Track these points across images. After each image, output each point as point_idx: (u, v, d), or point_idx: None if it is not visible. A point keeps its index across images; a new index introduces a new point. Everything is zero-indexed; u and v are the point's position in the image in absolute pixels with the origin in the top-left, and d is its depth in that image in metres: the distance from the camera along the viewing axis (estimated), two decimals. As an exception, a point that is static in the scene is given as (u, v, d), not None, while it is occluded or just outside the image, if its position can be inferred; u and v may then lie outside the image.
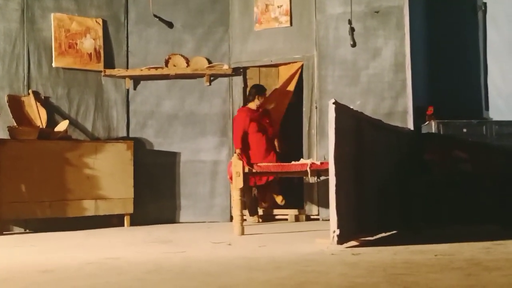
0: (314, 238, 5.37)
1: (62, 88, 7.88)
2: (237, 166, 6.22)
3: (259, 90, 8.02)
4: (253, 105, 8.00)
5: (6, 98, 7.48)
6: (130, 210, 7.74)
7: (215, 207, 8.31)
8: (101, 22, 8.20)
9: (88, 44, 8.01)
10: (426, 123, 7.30)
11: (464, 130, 7.06)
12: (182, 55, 8.44)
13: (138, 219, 7.82)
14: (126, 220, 7.75)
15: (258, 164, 6.47)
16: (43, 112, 7.60)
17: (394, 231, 5.91)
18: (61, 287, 3.40)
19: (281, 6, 8.20)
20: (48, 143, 7.00)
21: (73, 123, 7.83)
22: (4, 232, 7.00)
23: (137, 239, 6.24)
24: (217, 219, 8.23)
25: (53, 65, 7.86)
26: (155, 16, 8.31)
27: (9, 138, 7.15)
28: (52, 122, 7.59)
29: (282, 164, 6.68)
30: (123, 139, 8.08)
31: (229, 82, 8.48)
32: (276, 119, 8.33)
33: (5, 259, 4.87)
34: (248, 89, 8.41)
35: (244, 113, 7.95)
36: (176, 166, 8.37)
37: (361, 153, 5.33)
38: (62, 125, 7.43)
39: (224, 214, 8.24)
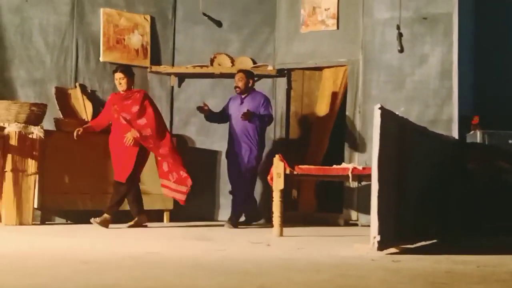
0: (353, 243, 5.33)
1: (108, 83, 7.97)
2: (278, 167, 6.22)
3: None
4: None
5: (53, 90, 7.60)
6: (170, 206, 7.79)
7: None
8: (149, 19, 8.29)
9: (136, 40, 8.10)
10: (471, 132, 7.21)
11: (510, 141, 6.96)
12: (227, 55, 8.47)
13: (177, 215, 7.87)
14: (166, 215, 7.81)
15: (300, 166, 6.45)
16: (88, 105, 7.71)
17: (434, 240, 5.85)
18: (101, 278, 3.44)
19: (328, 9, 8.18)
20: (93, 136, 7.08)
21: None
22: (46, 222, 7.11)
23: (176, 235, 6.29)
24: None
25: (101, 59, 7.96)
26: (204, 14, 8.36)
27: (54, 129, 7.26)
28: (97, 116, 7.67)
29: (323, 167, 6.66)
30: (165, 135, 8.12)
31: (273, 83, 8.48)
32: (328, 124, 8.26)
33: (47, 248, 4.94)
34: (291, 91, 8.42)
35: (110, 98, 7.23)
36: (217, 164, 8.40)
37: (404, 159, 5.28)
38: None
39: (263, 215, 8.22)
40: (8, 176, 6.77)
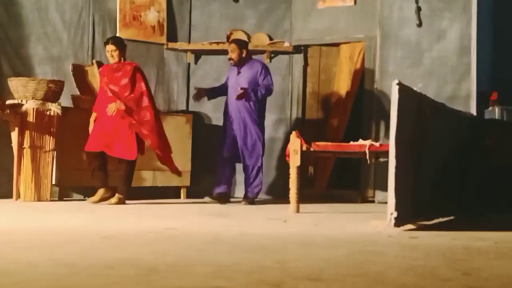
0: (370, 219, 5.33)
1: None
2: (295, 144, 6.22)
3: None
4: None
5: (70, 67, 7.61)
6: (187, 182, 7.83)
7: (271, 184, 8.33)
8: (165, -5, 8.26)
9: (152, 16, 8.09)
10: (489, 108, 7.16)
11: (529, 117, 6.90)
12: (243, 31, 8.44)
13: (194, 192, 7.91)
14: (183, 192, 7.85)
15: (316, 143, 6.44)
16: (105, 82, 7.72)
17: (452, 217, 5.83)
18: (121, 252, 3.47)
19: (345, -16, 8.11)
20: (110, 113, 7.09)
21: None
22: (64, 198, 7.16)
23: (193, 211, 6.32)
24: (272, 195, 8.25)
25: (117, 35, 7.95)
26: (221, -11, 8.33)
27: (72, 106, 7.29)
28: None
29: (340, 144, 6.65)
30: (182, 112, 8.16)
31: (290, 60, 8.45)
32: (348, 101, 8.20)
33: (66, 223, 4.99)
34: (308, 67, 8.39)
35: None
36: (233, 141, 8.39)
37: (422, 136, 5.26)
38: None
39: (279, 191, 8.24)
40: (26, 152, 6.83)
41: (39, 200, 6.80)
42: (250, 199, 7.32)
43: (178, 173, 7.09)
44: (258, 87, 7.26)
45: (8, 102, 6.88)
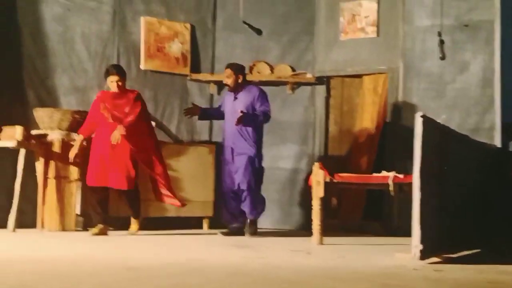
0: (394, 252, 5.30)
1: (149, 90, 8.05)
2: (318, 175, 6.21)
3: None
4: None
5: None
6: (210, 213, 7.84)
7: (293, 215, 8.31)
8: (189, 27, 8.36)
9: (176, 48, 8.17)
10: (514, 140, 7.11)
11: (554, 149, 6.85)
12: (266, 62, 8.50)
13: (217, 222, 7.90)
14: (205, 222, 7.85)
15: (340, 174, 6.43)
16: (130, 113, 7.78)
17: (477, 250, 5.77)
18: (145, 285, 3.48)
19: (368, 16, 8.15)
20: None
21: (158, 125, 7.98)
22: (88, 228, 7.19)
23: (216, 242, 6.32)
24: (295, 227, 8.23)
25: (141, 67, 8.05)
26: (245, 22, 8.40)
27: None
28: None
29: (363, 175, 6.63)
30: (205, 142, 8.19)
31: (312, 91, 8.48)
32: (375, 131, 8.18)
33: (90, 254, 5.01)
34: (330, 98, 8.41)
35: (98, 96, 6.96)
36: (256, 171, 8.40)
37: (445, 168, 5.24)
38: (148, 127, 7.57)
39: (302, 223, 8.23)
40: (51, 182, 6.89)
41: (63, 230, 6.85)
42: (250, 230, 7.05)
43: (182, 204, 7.02)
44: (255, 113, 7.08)
45: (33, 132, 6.96)
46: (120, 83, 6.73)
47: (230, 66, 7.27)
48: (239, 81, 7.18)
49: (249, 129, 7.07)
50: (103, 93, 6.88)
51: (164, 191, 6.92)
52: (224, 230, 7.15)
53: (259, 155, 7.18)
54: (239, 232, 7.10)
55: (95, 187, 6.67)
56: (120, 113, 6.69)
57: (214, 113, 7.54)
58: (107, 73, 6.79)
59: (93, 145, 6.75)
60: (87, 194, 6.80)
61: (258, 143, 7.18)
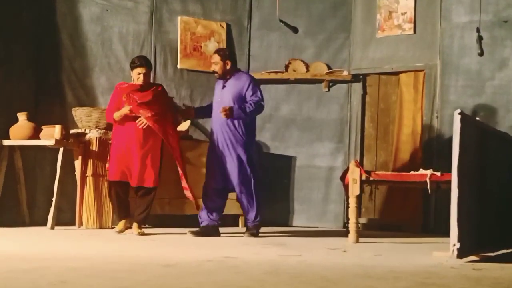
0: (431, 250, 5.26)
1: (186, 89, 8.11)
2: (354, 173, 6.19)
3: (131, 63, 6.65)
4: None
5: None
6: (245, 211, 7.85)
7: (329, 213, 8.30)
8: (225, 26, 8.39)
9: (212, 47, 8.20)
10: (555, 137, 6.98)
11: None
12: (302, 60, 8.50)
13: (252, 220, 7.92)
14: (241, 220, 7.87)
15: (376, 172, 6.40)
16: (166, 112, 7.83)
17: (516, 249, 5.69)
18: (183, 282, 3.50)
19: (405, 13, 8.09)
20: (170, 142, 7.18)
21: (194, 123, 8.03)
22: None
23: (252, 240, 6.33)
24: (330, 225, 8.22)
25: (178, 66, 8.11)
26: (281, 21, 8.41)
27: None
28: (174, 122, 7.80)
29: (400, 173, 6.58)
30: (241, 141, 8.19)
31: (348, 89, 8.45)
32: (416, 129, 8.09)
33: (128, 251, 5.06)
34: (367, 96, 8.37)
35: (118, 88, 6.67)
36: (291, 170, 8.43)
37: (484, 166, 5.18)
38: (184, 125, 7.63)
39: (337, 221, 8.21)
40: (89, 180, 6.98)
41: (101, 227, 6.93)
42: (251, 231, 6.60)
43: (196, 205, 6.69)
44: (245, 104, 6.51)
45: (72, 131, 7.06)
46: (146, 76, 6.50)
47: (217, 51, 6.76)
48: (227, 67, 6.59)
49: (238, 121, 6.51)
50: (129, 86, 6.57)
51: (184, 183, 6.65)
52: (194, 230, 6.53)
53: (250, 147, 6.62)
54: (212, 231, 6.53)
55: (118, 182, 6.47)
56: (147, 105, 6.42)
57: (208, 110, 6.82)
58: (134, 65, 6.53)
59: (116, 140, 6.53)
60: (109, 189, 6.62)
61: (249, 134, 6.61)
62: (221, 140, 6.56)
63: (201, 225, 6.61)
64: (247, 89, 6.55)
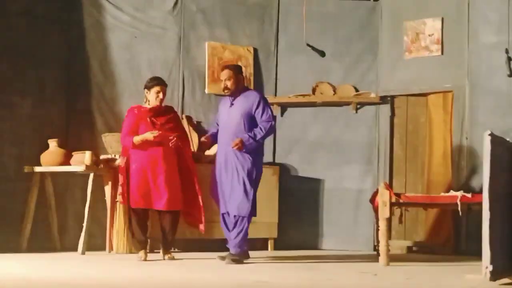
0: (462, 273, 5.20)
1: (214, 114, 8.11)
2: (384, 195, 6.16)
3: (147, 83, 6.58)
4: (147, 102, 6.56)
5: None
6: (274, 234, 7.85)
7: (358, 236, 8.24)
8: (252, 50, 8.45)
9: (239, 71, 8.22)
10: None
11: None
12: (329, 83, 8.50)
13: (281, 243, 7.91)
14: (270, 244, 7.86)
15: (406, 194, 6.36)
16: (195, 136, 7.89)
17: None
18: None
19: (432, 34, 8.08)
20: (199, 166, 7.21)
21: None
22: (154, 250, 7.28)
23: (281, 264, 6.31)
24: (360, 248, 8.15)
25: (206, 91, 8.17)
26: (308, 45, 8.44)
27: (162, 160, 7.45)
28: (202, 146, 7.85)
29: (430, 195, 6.54)
30: (269, 164, 8.20)
31: (376, 111, 8.42)
32: (447, 151, 8.02)
33: (159, 277, 5.06)
34: (395, 118, 8.34)
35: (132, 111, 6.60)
36: (320, 193, 8.40)
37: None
38: (213, 149, 7.64)
39: (367, 244, 8.15)
40: (119, 205, 7.01)
41: (131, 252, 6.95)
42: (233, 256, 6.18)
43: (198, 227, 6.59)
44: (255, 129, 6.22)
45: (102, 157, 7.12)
46: (164, 95, 6.45)
47: (228, 66, 6.51)
48: (240, 83, 6.38)
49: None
50: (155, 108, 6.46)
51: (202, 213, 6.56)
52: (223, 254, 6.33)
53: (254, 173, 6.28)
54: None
55: (140, 210, 6.40)
56: (168, 129, 6.40)
57: (217, 134, 6.55)
58: (152, 83, 6.46)
59: (136, 164, 6.41)
60: (131, 217, 6.51)
61: (256, 155, 6.32)
62: (227, 160, 6.28)
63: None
64: (256, 108, 6.26)
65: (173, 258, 6.45)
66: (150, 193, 6.36)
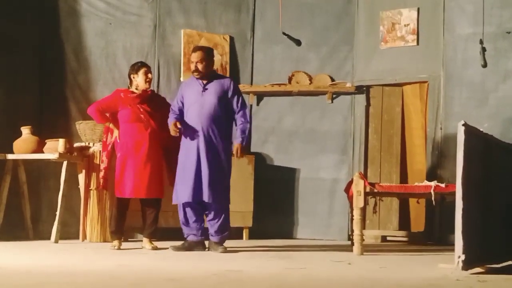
0: (435, 262, 5.24)
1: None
2: (358, 184, 6.18)
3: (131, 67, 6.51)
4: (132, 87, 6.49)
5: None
6: (249, 223, 7.87)
7: (333, 225, 8.27)
8: (228, 39, 8.41)
9: (215, 59, 8.17)
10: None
11: None
12: (305, 72, 8.50)
13: (256, 232, 7.92)
14: (245, 233, 7.88)
15: (380, 184, 6.39)
16: (169, 124, 7.85)
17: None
18: (187, 296, 3.49)
19: (408, 25, 8.10)
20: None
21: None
22: (129, 239, 7.25)
23: (256, 252, 6.31)
24: (334, 237, 8.19)
25: (181, 79, 8.12)
26: (284, 34, 8.42)
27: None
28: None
29: (404, 185, 6.57)
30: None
31: (352, 100, 8.44)
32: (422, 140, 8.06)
33: (131, 265, 5.04)
34: (370, 108, 8.36)
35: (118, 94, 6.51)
36: (295, 182, 8.41)
37: (489, 177, 5.16)
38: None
39: (341, 233, 8.18)
40: (93, 194, 6.97)
41: (104, 241, 6.91)
42: (221, 249, 6.15)
43: None
44: (241, 135, 6.19)
45: (75, 144, 7.06)
46: (150, 79, 6.39)
47: (201, 48, 6.32)
48: (212, 67, 6.29)
49: (218, 129, 6.13)
50: (143, 92, 6.39)
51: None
52: (177, 244, 6.28)
53: (228, 153, 6.23)
54: (196, 246, 6.25)
55: (125, 199, 6.37)
56: (154, 116, 6.37)
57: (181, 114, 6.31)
58: (139, 66, 6.42)
59: (121, 153, 6.38)
60: (114, 206, 6.47)
61: (227, 138, 6.25)
62: (201, 146, 6.11)
63: (191, 241, 6.29)
64: (232, 94, 6.20)
65: (156, 248, 6.33)
66: (134, 182, 6.29)
